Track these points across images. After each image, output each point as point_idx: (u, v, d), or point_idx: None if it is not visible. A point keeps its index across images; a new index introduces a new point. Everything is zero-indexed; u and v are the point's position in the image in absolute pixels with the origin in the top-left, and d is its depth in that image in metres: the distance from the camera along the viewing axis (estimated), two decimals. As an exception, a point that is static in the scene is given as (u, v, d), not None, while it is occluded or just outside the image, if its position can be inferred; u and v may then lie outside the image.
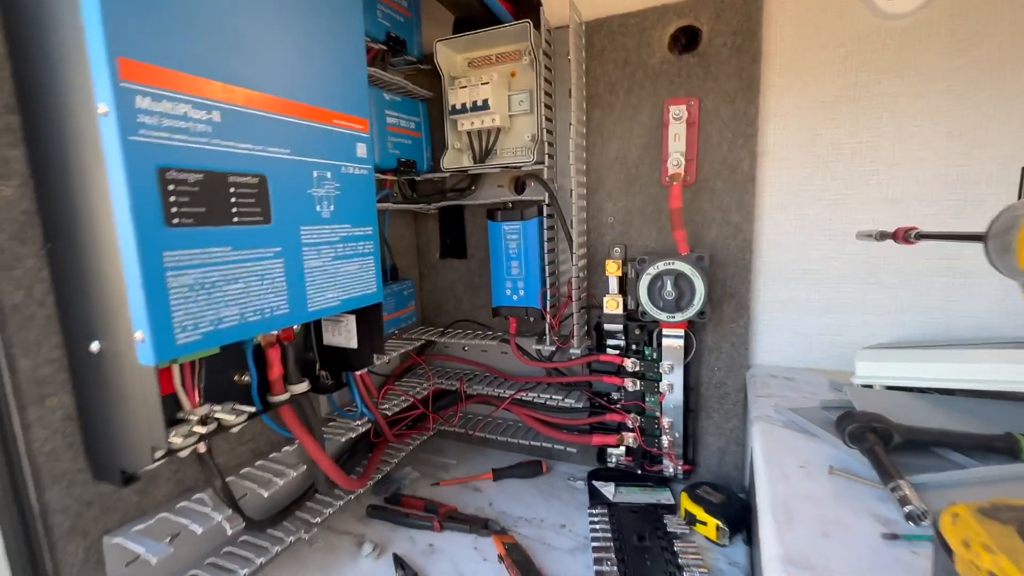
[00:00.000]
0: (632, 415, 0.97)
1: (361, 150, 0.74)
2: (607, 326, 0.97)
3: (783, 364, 0.94)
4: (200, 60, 0.51)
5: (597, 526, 0.86)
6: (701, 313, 0.85)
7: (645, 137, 0.94)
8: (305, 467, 0.82)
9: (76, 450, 0.58)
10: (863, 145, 0.83)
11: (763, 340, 0.94)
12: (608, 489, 0.97)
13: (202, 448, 0.64)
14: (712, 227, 0.92)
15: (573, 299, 0.94)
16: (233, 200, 0.55)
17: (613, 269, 0.94)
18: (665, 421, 0.94)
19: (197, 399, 0.61)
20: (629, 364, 0.95)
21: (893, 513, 0.48)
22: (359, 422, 0.91)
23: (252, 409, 0.67)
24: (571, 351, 0.97)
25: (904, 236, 0.49)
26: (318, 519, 0.84)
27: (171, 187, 0.49)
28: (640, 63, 0.93)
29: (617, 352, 0.97)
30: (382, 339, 0.80)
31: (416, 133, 1.06)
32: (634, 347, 0.96)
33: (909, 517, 0.45)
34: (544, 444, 1.07)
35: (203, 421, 0.61)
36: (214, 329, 0.53)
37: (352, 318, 0.78)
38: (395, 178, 1.00)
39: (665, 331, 0.91)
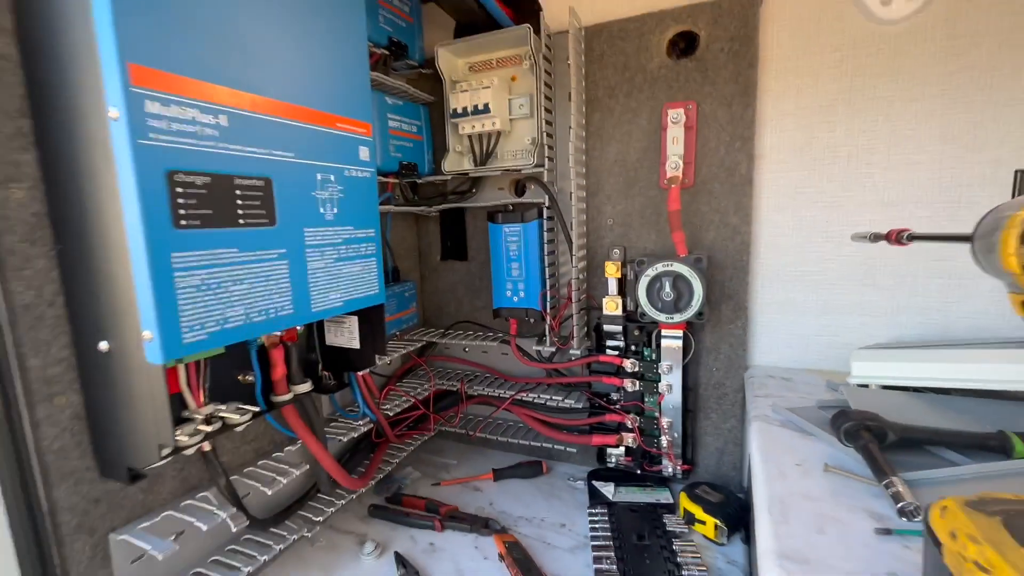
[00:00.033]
0: (631, 415, 0.98)
1: (364, 153, 0.75)
2: (606, 327, 0.98)
3: (781, 365, 0.95)
4: (208, 65, 0.52)
5: (597, 525, 0.87)
6: (699, 314, 0.86)
7: (644, 140, 0.96)
8: (308, 466, 0.83)
9: (84, 448, 0.59)
10: (859, 148, 0.84)
11: (761, 341, 0.95)
12: (608, 489, 0.98)
13: (207, 447, 0.65)
14: (710, 229, 0.93)
15: (573, 300, 0.95)
16: (239, 202, 0.56)
17: (612, 271, 0.95)
18: (664, 421, 0.95)
19: (202, 399, 0.62)
20: (628, 365, 0.96)
21: (887, 509, 0.49)
22: (361, 422, 0.92)
23: (256, 409, 0.67)
24: (571, 352, 0.98)
25: (897, 237, 0.50)
26: (320, 518, 0.85)
27: (179, 189, 0.50)
28: (639, 67, 0.94)
29: (616, 353, 0.98)
30: (384, 340, 0.81)
31: (418, 136, 1.07)
32: (633, 348, 0.97)
33: (902, 513, 0.46)
34: (544, 444, 1.08)
35: (208, 420, 0.62)
36: (220, 329, 0.54)
37: (354, 319, 0.79)
38: (397, 181, 1.02)
39: (664, 332, 0.92)
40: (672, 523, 0.86)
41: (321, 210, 0.68)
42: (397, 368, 1.17)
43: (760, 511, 0.52)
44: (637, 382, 0.96)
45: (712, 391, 0.97)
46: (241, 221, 0.56)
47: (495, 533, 0.87)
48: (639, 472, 1.00)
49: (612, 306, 0.96)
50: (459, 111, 0.97)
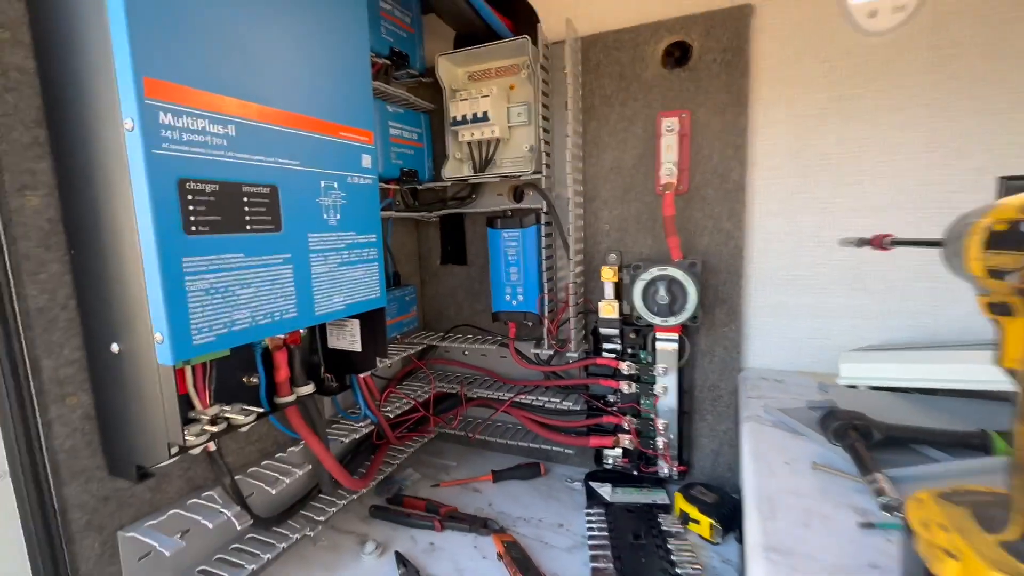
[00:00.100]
0: (628, 417, 0.99)
1: (366, 161, 0.77)
2: (603, 330, 0.99)
3: (774, 367, 0.96)
4: (218, 78, 0.55)
5: (594, 525, 0.89)
6: (694, 317, 0.88)
7: (639, 148, 0.98)
8: (310, 467, 0.85)
9: (94, 447, 0.61)
10: (848, 155, 0.86)
11: (755, 344, 0.97)
12: (605, 490, 0.99)
13: (212, 447, 0.67)
14: (704, 234, 0.95)
15: (570, 304, 0.97)
16: (246, 209, 0.58)
17: (609, 275, 0.97)
18: (660, 423, 0.97)
19: (208, 400, 0.64)
20: (625, 367, 0.98)
21: (871, 504, 0.51)
22: (362, 424, 0.94)
23: (260, 410, 0.69)
24: (568, 355, 1.00)
25: (880, 243, 0.52)
26: (322, 518, 0.86)
27: (190, 197, 0.52)
28: (634, 77, 0.97)
29: (613, 356, 1.00)
30: (385, 343, 0.83)
31: (418, 144, 1.09)
32: (629, 351, 0.99)
33: (884, 507, 0.47)
34: (542, 446, 1.10)
35: (213, 421, 0.64)
36: (227, 331, 0.56)
37: (356, 322, 0.81)
38: (398, 187, 1.04)
39: (659, 335, 0.94)
40: (668, 523, 0.88)
41: (325, 216, 0.70)
42: (398, 371, 1.18)
43: (750, 508, 0.54)
44: (633, 384, 0.98)
45: (707, 393, 0.99)
46: (248, 227, 0.58)
47: (494, 533, 0.89)
48: (636, 473, 1.02)
49: (609, 310, 0.98)
50: (459, 119, 0.99)
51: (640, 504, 0.94)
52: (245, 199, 0.58)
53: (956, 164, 0.81)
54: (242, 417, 0.66)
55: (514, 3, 1.03)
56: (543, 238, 1.00)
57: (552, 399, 1.05)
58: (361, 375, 0.89)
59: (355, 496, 0.93)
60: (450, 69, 1.03)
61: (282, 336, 0.73)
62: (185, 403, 0.61)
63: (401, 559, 0.83)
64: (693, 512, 0.86)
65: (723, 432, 0.98)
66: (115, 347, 0.56)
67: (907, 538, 0.36)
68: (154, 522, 0.66)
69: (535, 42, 0.93)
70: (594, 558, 0.80)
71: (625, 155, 0.99)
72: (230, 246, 0.56)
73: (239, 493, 0.72)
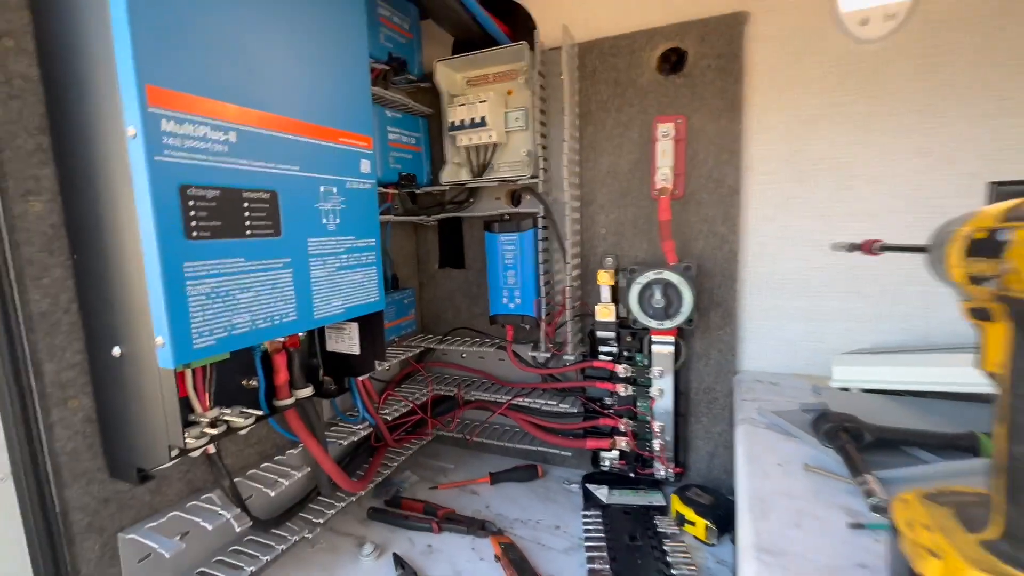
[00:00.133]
0: (624, 419, 1.00)
1: (365, 166, 0.78)
2: (600, 333, 1.00)
3: (769, 369, 0.97)
4: (219, 86, 0.55)
5: (590, 527, 0.89)
6: (689, 320, 0.89)
7: (635, 153, 0.99)
8: (309, 469, 0.85)
9: (95, 450, 0.61)
10: (841, 161, 0.88)
11: (750, 347, 0.98)
12: (602, 492, 1.00)
13: (212, 449, 0.67)
14: (699, 238, 0.96)
15: (567, 307, 0.98)
16: (247, 214, 0.59)
17: (605, 278, 0.98)
18: (656, 425, 0.98)
19: (208, 402, 0.64)
20: (621, 370, 0.99)
21: (861, 506, 0.52)
22: (360, 426, 0.95)
23: (259, 413, 0.70)
24: (565, 357, 1.01)
25: (870, 248, 0.53)
26: (321, 520, 0.87)
27: (191, 203, 0.53)
28: (630, 83, 0.98)
29: (610, 358, 1.01)
30: (383, 346, 0.84)
31: (416, 148, 1.10)
32: (626, 353, 1.00)
33: (874, 508, 0.48)
34: (540, 448, 1.10)
35: (213, 423, 0.64)
36: (228, 335, 0.57)
37: (355, 325, 0.82)
38: (396, 191, 1.05)
39: (655, 338, 0.95)
40: (664, 525, 0.89)
41: (324, 221, 0.70)
42: (396, 373, 1.19)
43: (742, 509, 0.55)
44: (630, 387, 0.99)
45: (703, 395, 1.00)
46: (248, 232, 0.59)
47: (491, 535, 0.89)
48: (632, 475, 1.03)
49: (605, 313, 0.98)
50: (457, 124, 1.00)
51: (636, 506, 0.95)
52: (245, 204, 0.59)
53: (948, 169, 0.82)
54: (241, 420, 0.66)
55: (512, 10, 1.04)
56: (540, 242, 1.01)
57: (549, 402, 1.06)
58: (360, 378, 0.89)
59: (353, 498, 0.94)
60: (448, 74, 1.04)
61: (281, 339, 0.73)
62: (185, 406, 0.62)
63: (399, 561, 0.83)
64: (689, 514, 0.87)
65: (718, 434, 0.99)
66: (116, 351, 0.57)
67: (893, 538, 0.37)
68: (154, 524, 0.66)
69: (532, 48, 0.94)
70: (590, 559, 0.81)
71: (621, 160, 1.00)
72: (230, 251, 0.57)
73: (238, 495, 0.72)
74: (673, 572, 0.76)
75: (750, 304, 0.97)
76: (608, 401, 1.03)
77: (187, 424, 0.62)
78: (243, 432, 0.68)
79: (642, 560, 0.80)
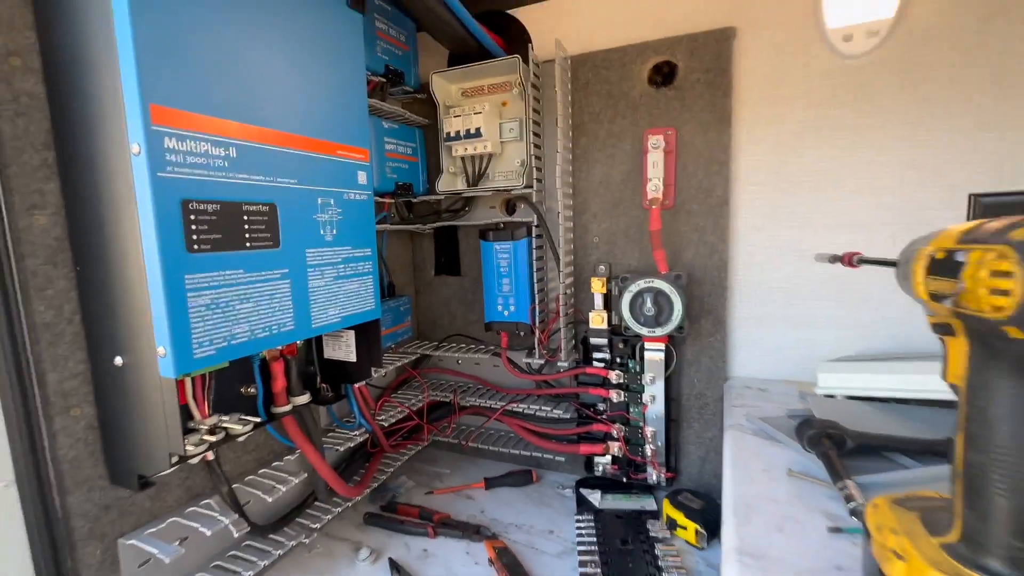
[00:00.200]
0: (617, 425, 1.02)
1: (362, 177, 0.80)
2: (593, 340, 1.02)
3: (759, 376, 0.99)
4: (220, 103, 0.57)
5: (583, 531, 0.91)
6: (679, 328, 0.91)
7: (627, 163, 1.01)
8: (306, 475, 0.87)
9: (96, 457, 0.62)
10: (828, 172, 0.90)
11: (739, 353, 1.00)
12: (595, 496, 1.02)
13: (210, 456, 0.69)
14: (690, 247, 0.98)
15: (561, 314, 1.00)
16: (246, 227, 0.61)
17: (598, 286, 1.00)
18: (648, 431, 0.99)
19: (207, 410, 0.66)
20: (613, 376, 1.00)
21: (841, 510, 0.54)
22: (357, 432, 0.96)
23: (257, 420, 0.71)
24: (559, 364, 1.02)
25: (849, 260, 0.55)
26: (317, 525, 0.88)
27: (192, 217, 0.54)
28: (622, 95, 1.00)
29: (602, 365, 1.02)
30: (380, 353, 0.85)
31: (413, 158, 1.12)
32: (618, 360, 1.02)
33: (853, 513, 0.50)
34: (534, 454, 1.12)
35: (212, 430, 0.66)
36: (227, 345, 0.59)
37: (352, 333, 0.83)
38: (393, 200, 1.06)
39: (647, 345, 0.97)
40: (655, 529, 0.90)
41: (321, 232, 0.72)
42: (392, 380, 1.21)
43: (727, 513, 0.56)
44: (622, 393, 1.00)
45: (694, 401, 1.02)
46: (248, 244, 0.61)
47: (486, 539, 0.91)
48: (625, 480, 1.04)
49: (598, 320, 1.00)
50: (452, 135, 1.02)
51: (629, 510, 0.96)
52: (245, 217, 0.61)
53: (931, 181, 0.84)
54: (240, 427, 0.68)
55: (506, 23, 1.06)
56: (534, 250, 1.03)
57: (543, 407, 1.08)
58: (356, 385, 0.91)
59: (350, 504, 0.95)
60: (444, 86, 1.06)
61: (279, 347, 0.75)
62: (184, 413, 0.63)
63: (395, 565, 0.85)
64: (680, 518, 0.88)
65: (709, 439, 1.01)
66: (118, 360, 0.58)
67: (866, 541, 0.38)
68: (154, 530, 0.67)
69: (526, 61, 0.96)
70: (582, 563, 0.82)
71: (613, 170, 1.03)
72: (230, 263, 0.59)
73: (236, 501, 0.74)
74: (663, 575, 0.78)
75: (740, 312, 0.99)
76: (601, 407, 1.05)
77: (187, 431, 0.64)
78: (241, 439, 0.69)
79: (633, 564, 0.81)
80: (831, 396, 0.80)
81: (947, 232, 0.34)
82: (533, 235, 1.03)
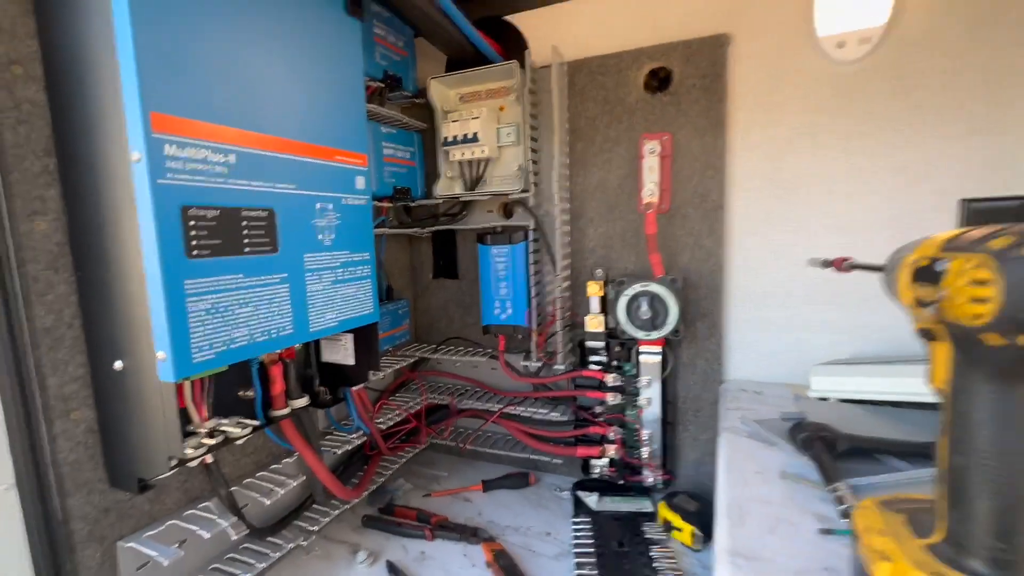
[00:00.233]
0: (614, 428, 1.03)
1: (360, 182, 0.81)
2: (589, 343, 1.03)
3: (754, 379, 1.00)
4: (219, 110, 0.58)
5: (580, 534, 0.91)
6: (675, 331, 0.92)
7: (623, 168, 1.02)
8: (304, 478, 0.87)
9: (96, 460, 0.63)
10: (820, 177, 0.91)
11: (735, 356, 1.01)
12: (592, 499, 1.02)
13: (209, 459, 0.69)
14: (685, 252, 0.99)
15: (558, 318, 1.01)
16: (245, 232, 0.61)
17: (595, 290, 1.00)
18: (644, 433, 1.00)
19: (206, 413, 0.66)
20: (610, 379, 1.01)
21: (833, 512, 0.54)
22: (355, 435, 0.96)
23: (256, 423, 0.72)
24: (556, 367, 1.03)
25: (840, 265, 0.56)
26: (315, 527, 0.88)
27: (192, 223, 0.55)
28: (618, 100, 1.01)
29: (599, 368, 1.03)
30: (378, 356, 0.86)
31: (411, 162, 1.13)
32: (615, 363, 1.02)
33: (843, 515, 0.51)
34: (532, 456, 1.12)
35: (211, 434, 0.66)
36: (226, 349, 0.59)
37: (350, 337, 0.84)
38: (391, 204, 1.07)
39: (643, 348, 0.98)
40: (651, 531, 0.91)
41: (320, 236, 0.73)
42: (390, 382, 1.21)
43: (720, 515, 0.57)
44: (619, 396, 1.01)
45: (690, 404, 1.03)
46: (247, 249, 0.62)
47: (483, 542, 0.91)
48: (622, 482, 1.05)
49: (595, 323, 1.01)
50: (450, 139, 1.03)
51: (625, 512, 0.97)
52: (244, 223, 0.61)
53: (922, 186, 0.85)
54: (238, 430, 0.68)
55: (504, 29, 1.07)
56: (531, 254, 1.04)
57: (541, 410, 1.08)
58: (354, 388, 0.91)
59: (348, 506, 0.96)
60: (442, 91, 1.07)
61: (278, 351, 0.75)
62: (183, 417, 0.64)
63: (392, 568, 0.85)
64: (676, 520, 0.89)
65: (705, 442, 1.02)
66: (118, 364, 0.59)
67: (854, 542, 0.39)
68: (152, 533, 0.68)
69: (523, 66, 0.97)
70: (579, 566, 0.83)
71: (610, 175, 1.03)
72: (229, 268, 0.59)
73: (234, 504, 0.74)
74: (659, 577, 0.78)
75: (735, 315, 1.00)
76: (598, 410, 1.05)
77: (185, 435, 0.64)
78: (240, 442, 0.70)
79: (629, 566, 0.82)
80: (824, 399, 0.81)
81: (931, 240, 0.35)
82: (530, 239, 1.04)
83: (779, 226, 0.94)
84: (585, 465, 1.09)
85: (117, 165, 0.54)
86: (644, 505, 0.99)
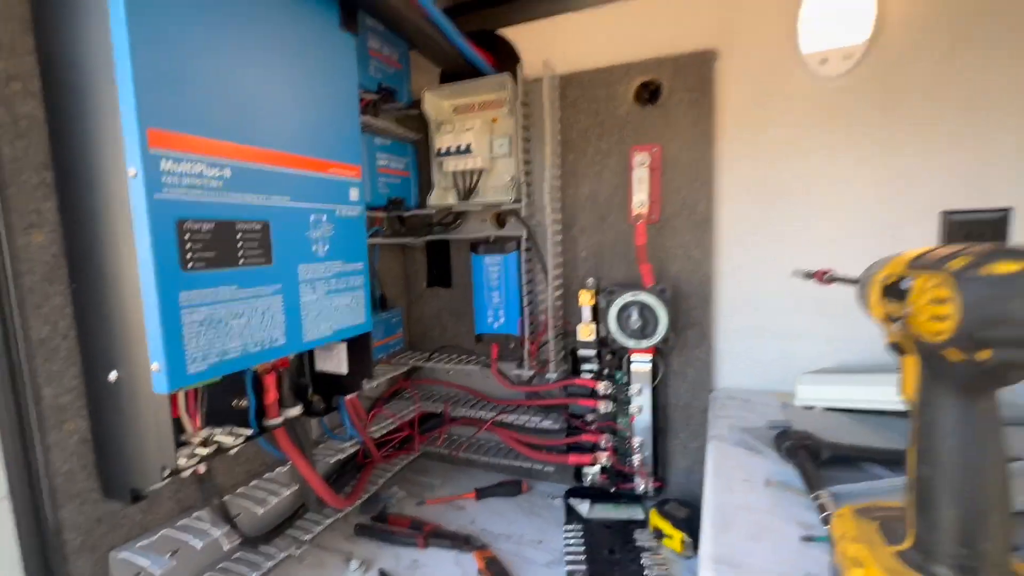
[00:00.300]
0: (605, 435, 1.04)
1: (354, 194, 0.82)
2: (581, 352, 1.04)
3: (743, 387, 1.01)
4: (215, 125, 0.59)
5: (571, 541, 0.92)
6: (664, 340, 0.93)
7: (614, 179, 1.04)
8: (297, 487, 0.88)
9: (89, 471, 0.63)
10: (807, 189, 0.93)
11: (724, 365, 1.02)
12: (583, 506, 1.03)
13: (202, 469, 0.69)
14: (675, 262, 1.00)
15: (550, 327, 1.02)
16: (239, 244, 0.62)
17: (586, 299, 1.02)
18: (636, 441, 1.01)
19: (199, 423, 0.67)
20: (601, 387, 1.02)
21: (815, 519, 0.55)
22: (348, 444, 0.97)
23: (249, 432, 0.72)
24: (548, 375, 1.04)
25: (822, 277, 0.58)
26: (308, 536, 0.89)
27: (187, 236, 0.56)
28: (609, 113, 1.03)
29: (591, 376, 1.04)
30: (371, 365, 0.87)
31: (405, 172, 1.14)
32: (606, 371, 1.04)
33: (825, 522, 0.52)
34: (524, 464, 1.13)
35: (204, 443, 0.67)
36: (220, 360, 0.60)
37: (343, 346, 0.85)
38: (385, 214, 1.08)
39: (634, 356, 0.99)
40: (642, 538, 0.92)
41: (314, 248, 0.74)
42: (384, 391, 1.22)
43: (706, 522, 0.58)
44: (610, 403, 1.02)
45: (680, 412, 1.04)
46: (241, 261, 0.63)
47: (476, 549, 0.92)
48: (613, 490, 1.06)
49: (586, 332, 1.02)
50: (443, 151, 1.05)
51: (616, 520, 0.98)
52: (239, 235, 0.62)
53: (904, 199, 0.87)
54: (231, 439, 0.69)
55: (496, 42, 1.09)
56: (524, 263, 1.05)
57: (533, 418, 1.09)
58: (348, 396, 0.92)
59: (340, 515, 0.96)
60: (436, 103, 1.08)
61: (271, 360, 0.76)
62: (177, 427, 0.65)
63: (385, 576, 0.85)
64: (666, 527, 0.90)
65: (695, 449, 1.03)
66: (113, 375, 0.59)
67: (831, 549, 0.40)
68: (145, 543, 0.68)
69: (516, 79, 0.99)
70: (570, 573, 0.84)
71: (601, 186, 1.05)
72: (224, 280, 0.60)
73: (227, 513, 0.75)
74: (649, 585, 0.79)
75: (725, 324, 1.01)
76: (590, 417, 1.06)
77: (179, 444, 0.65)
78: (233, 451, 0.70)
79: (620, 573, 0.83)
80: (810, 408, 0.82)
81: (900, 258, 0.36)
82: (523, 249, 1.05)
83: (766, 237, 0.96)
84: (577, 473, 1.09)
85: (113, 179, 0.55)
86: (635, 512, 1.00)
